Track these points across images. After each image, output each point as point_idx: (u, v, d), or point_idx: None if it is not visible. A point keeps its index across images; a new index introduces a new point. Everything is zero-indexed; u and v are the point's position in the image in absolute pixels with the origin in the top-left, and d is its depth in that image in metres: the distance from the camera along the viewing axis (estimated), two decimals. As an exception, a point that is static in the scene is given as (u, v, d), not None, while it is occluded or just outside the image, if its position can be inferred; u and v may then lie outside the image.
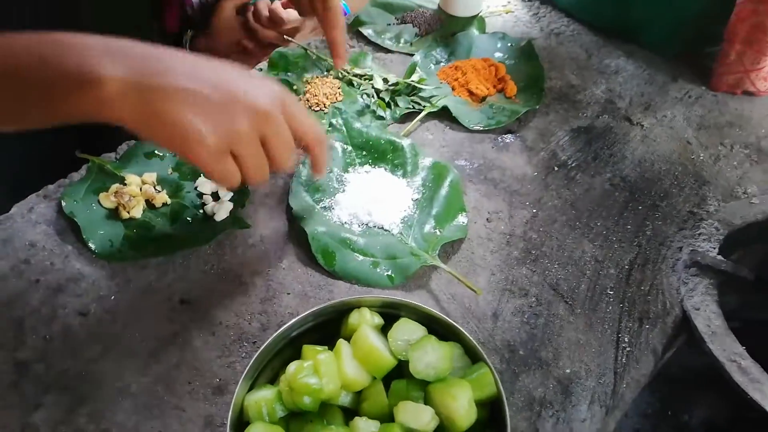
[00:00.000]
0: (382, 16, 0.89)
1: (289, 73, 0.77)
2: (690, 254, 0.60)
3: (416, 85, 0.75)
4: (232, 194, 0.63)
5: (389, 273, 0.58)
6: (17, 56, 0.40)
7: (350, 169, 0.67)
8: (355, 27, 0.85)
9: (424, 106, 0.74)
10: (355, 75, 0.77)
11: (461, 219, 0.62)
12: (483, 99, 0.77)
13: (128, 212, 0.59)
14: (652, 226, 0.64)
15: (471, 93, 0.76)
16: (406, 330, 0.46)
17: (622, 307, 0.57)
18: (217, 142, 0.42)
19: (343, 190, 0.64)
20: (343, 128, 0.69)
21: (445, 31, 0.87)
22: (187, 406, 0.49)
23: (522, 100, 0.77)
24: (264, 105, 0.43)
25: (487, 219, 0.64)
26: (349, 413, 0.45)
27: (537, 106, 0.76)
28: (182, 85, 0.41)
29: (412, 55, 0.82)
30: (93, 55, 0.40)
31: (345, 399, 0.45)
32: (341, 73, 0.77)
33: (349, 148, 0.68)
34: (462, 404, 0.41)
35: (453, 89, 0.77)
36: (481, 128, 0.73)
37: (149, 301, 0.55)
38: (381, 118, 0.73)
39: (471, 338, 0.45)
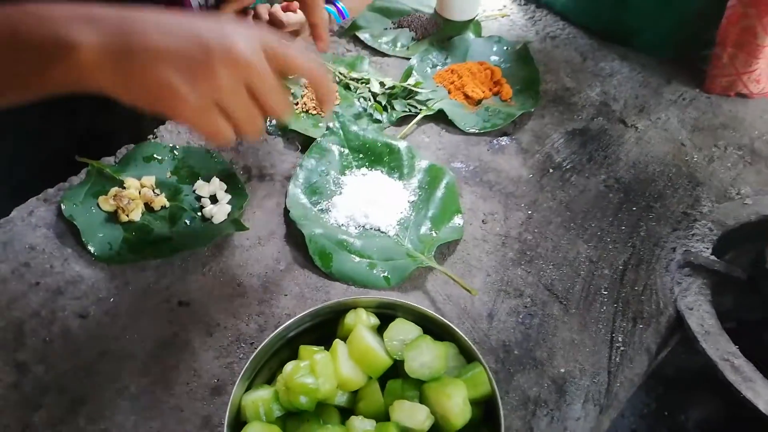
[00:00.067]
0: (378, 20, 0.90)
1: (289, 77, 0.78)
2: (683, 254, 0.61)
3: (412, 88, 0.76)
4: (230, 197, 0.63)
5: (386, 274, 0.58)
6: None
7: (347, 172, 0.67)
8: (352, 31, 0.86)
9: (421, 110, 0.75)
10: (352, 79, 0.78)
11: (457, 221, 0.63)
12: (479, 102, 0.77)
13: (127, 215, 0.60)
14: (646, 226, 0.65)
15: (467, 96, 0.77)
16: (402, 330, 0.47)
17: (616, 307, 0.57)
18: (199, 98, 0.40)
19: (340, 193, 0.65)
20: (340, 131, 0.70)
21: (442, 35, 0.88)
22: (185, 406, 0.49)
23: (517, 102, 0.78)
24: (241, 53, 0.41)
25: (483, 221, 0.64)
26: (346, 412, 0.45)
27: (532, 109, 0.76)
28: (156, 44, 0.40)
29: (409, 59, 0.83)
30: (65, 24, 0.39)
31: (341, 398, 0.45)
32: (338, 77, 0.78)
33: (346, 150, 0.69)
34: (456, 403, 0.42)
35: (449, 92, 0.78)
36: (477, 131, 0.74)
37: (148, 303, 0.55)
38: (378, 121, 0.74)
39: (466, 338, 0.45)
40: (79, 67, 0.40)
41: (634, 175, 0.70)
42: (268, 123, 0.73)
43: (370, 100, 0.76)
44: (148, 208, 0.62)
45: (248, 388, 0.45)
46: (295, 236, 0.61)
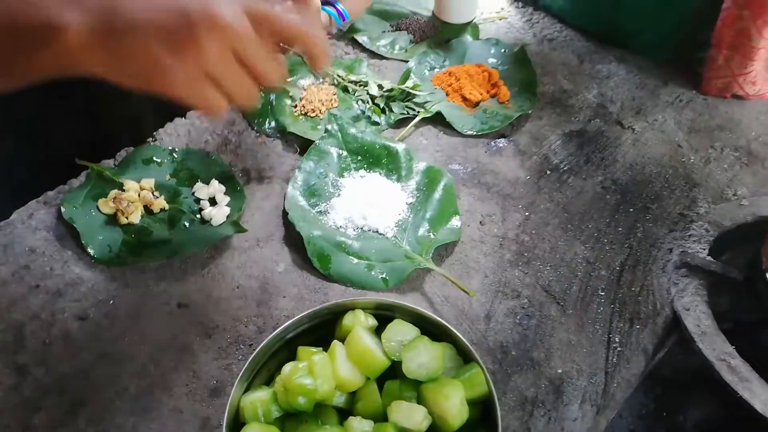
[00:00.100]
0: (377, 23, 0.90)
1: (288, 80, 0.78)
2: (680, 255, 0.61)
3: (410, 91, 0.76)
4: (228, 199, 0.64)
5: (384, 276, 0.58)
6: None
7: (345, 174, 0.68)
8: (350, 34, 0.87)
9: (419, 112, 0.75)
10: (351, 81, 0.78)
11: (455, 222, 0.63)
12: (476, 104, 0.78)
13: (127, 218, 0.60)
14: (642, 228, 0.65)
15: (464, 98, 0.78)
16: (400, 331, 0.47)
17: (613, 307, 0.58)
18: (186, 70, 0.40)
19: (339, 195, 0.65)
20: (339, 134, 0.70)
21: (440, 38, 0.88)
22: (184, 407, 0.49)
23: (515, 105, 0.78)
24: (223, 17, 0.40)
25: (481, 222, 0.65)
26: (344, 413, 0.45)
27: (530, 111, 0.77)
28: (139, 19, 0.39)
29: (407, 61, 0.83)
30: (50, 7, 0.39)
31: (339, 399, 0.46)
32: (336, 80, 0.78)
33: (345, 153, 0.69)
34: (454, 403, 0.42)
35: (447, 95, 0.78)
36: (475, 133, 0.74)
37: (147, 305, 0.56)
38: (376, 123, 0.74)
39: (463, 339, 0.46)
40: (67, 50, 0.40)
41: (631, 177, 0.70)
42: (267, 125, 0.73)
43: (368, 102, 0.76)
44: (148, 210, 0.62)
45: (247, 390, 0.45)
46: (293, 238, 0.61)
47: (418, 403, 0.44)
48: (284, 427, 0.44)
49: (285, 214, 0.63)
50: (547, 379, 0.52)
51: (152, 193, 0.63)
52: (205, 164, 0.67)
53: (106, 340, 0.53)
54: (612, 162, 0.72)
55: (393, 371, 0.46)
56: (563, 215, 0.66)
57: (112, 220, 0.61)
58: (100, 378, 0.51)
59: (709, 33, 0.76)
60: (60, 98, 0.69)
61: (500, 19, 0.93)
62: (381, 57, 0.85)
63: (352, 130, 0.71)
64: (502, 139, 0.74)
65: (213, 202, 0.64)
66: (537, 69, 0.83)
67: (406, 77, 0.79)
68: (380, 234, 0.62)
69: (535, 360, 0.53)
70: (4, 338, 0.52)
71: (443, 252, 0.62)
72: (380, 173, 0.68)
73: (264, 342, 0.45)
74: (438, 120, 0.75)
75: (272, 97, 0.75)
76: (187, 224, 0.62)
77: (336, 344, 0.46)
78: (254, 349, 0.45)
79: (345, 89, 0.78)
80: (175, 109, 0.74)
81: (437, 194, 0.65)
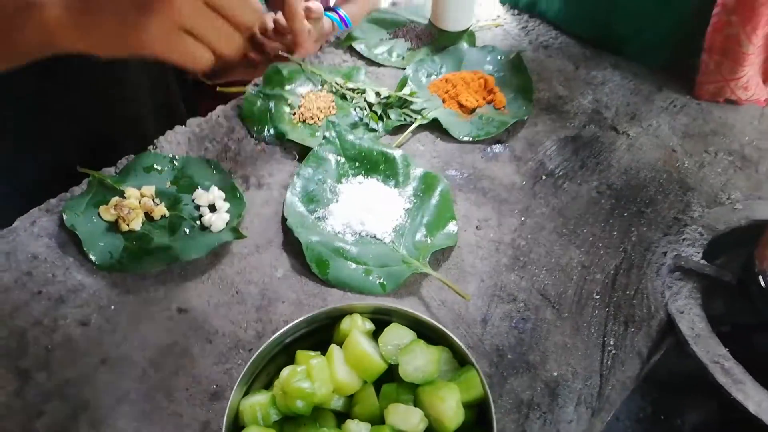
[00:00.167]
0: (374, 31, 0.92)
1: (286, 88, 0.79)
2: (674, 259, 0.62)
3: (407, 98, 0.77)
4: (228, 206, 0.65)
5: (381, 280, 0.59)
6: None
7: (343, 180, 0.68)
8: (348, 42, 0.88)
9: (416, 119, 0.76)
10: (349, 89, 0.79)
11: (451, 227, 0.64)
12: (473, 111, 0.79)
13: (128, 225, 0.61)
14: (637, 232, 0.66)
15: (461, 105, 0.78)
16: (396, 335, 0.47)
17: (608, 311, 0.58)
18: (160, 26, 0.40)
19: (337, 201, 0.66)
20: (337, 141, 0.71)
21: (436, 45, 0.89)
22: (184, 412, 0.50)
23: (511, 111, 0.79)
24: None
25: (477, 227, 0.65)
26: (341, 416, 0.46)
27: (525, 117, 0.78)
28: None
29: (404, 69, 0.84)
30: None
31: (337, 402, 0.46)
32: (335, 88, 0.79)
33: (343, 159, 0.70)
34: (450, 406, 0.43)
35: (444, 101, 0.79)
36: (471, 139, 0.75)
37: (148, 311, 0.56)
38: (373, 130, 0.75)
39: (459, 342, 0.46)
40: (46, 27, 0.41)
41: (625, 182, 0.71)
42: (266, 133, 0.74)
43: (365, 109, 0.77)
44: (148, 217, 0.63)
45: (246, 393, 0.46)
46: (292, 244, 0.62)
47: (415, 405, 0.44)
48: (283, 431, 0.45)
49: (284, 220, 0.63)
50: (542, 382, 0.53)
51: (153, 200, 0.64)
52: (204, 171, 0.68)
53: (108, 345, 0.54)
54: (607, 167, 0.73)
55: (390, 374, 0.47)
56: (558, 220, 0.67)
57: (113, 227, 0.62)
58: (102, 383, 0.51)
59: (700, 39, 0.77)
60: (61, 107, 0.70)
61: (496, 27, 0.95)
62: (378, 65, 0.86)
63: (350, 137, 0.72)
64: (498, 145, 0.75)
65: (213, 208, 0.65)
66: (533, 75, 0.84)
67: (403, 84, 0.80)
68: (378, 239, 0.63)
69: (530, 363, 0.54)
70: (7, 344, 0.53)
71: (440, 257, 0.62)
72: (378, 179, 0.69)
73: (263, 346, 0.46)
74: (435, 126, 0.76)
75: (271, 104, 0.77)
76: (187, 231, 0.62)
77: (334, 348, 0.47)
78: (253, 354, 0.46)
79: (343, 97, 0.79)
80: (175, 117, 0.75)
81: (434, 200, 0.66)
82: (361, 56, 0.87)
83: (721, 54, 0.74)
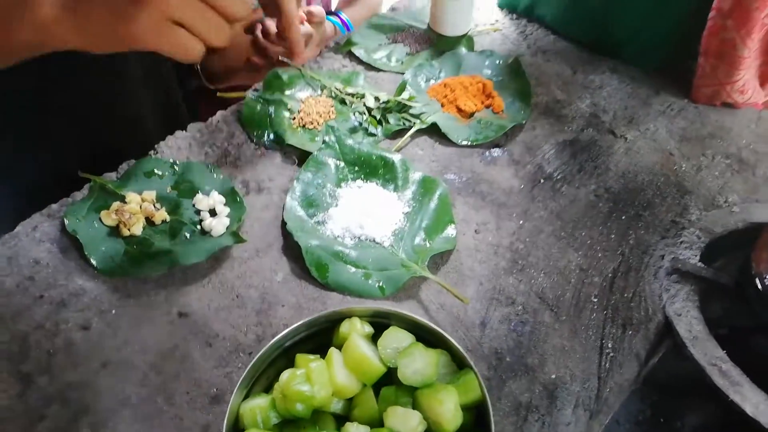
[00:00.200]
0: (373, 36, 0.92)
1: (286, 93, 0.80)
2: (672, 262, 0.62)
3: (406, 102, 0.78)
4: (228, 210, 0.65)
5: (380, 284, 0.60)
6: None
7: (343, 185, 0.69)
8: (347, 48, 0.88)
9: (414, 123, 0.77)
10: (348, 94, 0.80)
11: (450, 231, 0.64)
12: (471, 115, 0.79)
13: (129, 229, 0.62)
14: (635, 235, 0.66)
15: (460, 109, 0.79)
16: (395, 338, 0.48)
17: (606, 314, 0.59)
18: (150, 18, 0.41)
19: (336, 205, 0.67)
20: (336, 145, 0.72)
21: (435, 50, 0.90)
22: (185, 415, 0.50)
23: (509, 115, 0.79)
24: None
25: (476, 230, 0.66)
26: (341, 419, 0.46)
27: (524, 121, 0.78)
28: None
29: (403, 73, 0.85)
30: None
31: (336, 405, 0.47)
32: (334, 93, 0.80)
33: (342, 164, 0.71)
34: (448, 408, 0.43)
35: (442, 106, 0.80)
36: (470, 143, 0.75)
37: (149, 315, 0.57)
38: (372, 134, 0.76)
39: (457, 345, 0.47)
40: (41, 24, 0.42)
41: (623, 185, 0.72)
42: (266, 137, 0.74)
43: (365, 114, 0.78)
44: (149, 222, 0.64)
45: (246, 397, 0.47)
46: (292, 248, 0.62)
47: (414, 408, 0.45)
48: (283, 433, 0.45)
49: (284, 224, 0.64)
50: (541, 385, 0.53)
51: (154, 205, 0.65)
52: (205, 176, 0.68)
53: (109, 349, 0.54)
54: (605, 170, 0.74)
55: (389, 377, 0.47)
56: (557, 223, 0.67)
57: (114, 231, 0.62)
58: (103, 386, 0.52)
59: (699, 42, 0.78)
60: (61, 108, 0.71)
61: (495, 31, 0.95)
62: (378, 69, 0.87)
63: (350, 142, 0.72)
64: (497, 149, 0.76)
65: (213, 213, 0.65)
66: (531, 80, 0.84)
67: (402, 89, 0.81)
68: (377, 243, 0.63)
69: (529, 366, 0.54)
70: (10, 348, 0.53)
71: (439, 260, 0.63)
72: (377, 183, 0.69)
73: (263, 350, 0.47)
74: (433, 131, 0.77)
75: (271, 109, 0.77)
76: (187, 235, 0.63)
77: (333, 351, 0.47)
78: (253, 357, 0.46)
79: (342, 101, 0.79)
80: (177, 121, 0.76)
81: (433, 203, 0.67)
82: (360, 61, 0.87)
83: (717, 58, 0.75)
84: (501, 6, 1.00)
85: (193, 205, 0.65)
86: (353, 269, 0.61)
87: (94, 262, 0.59)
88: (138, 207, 0.64)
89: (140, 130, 0.80)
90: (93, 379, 0.52)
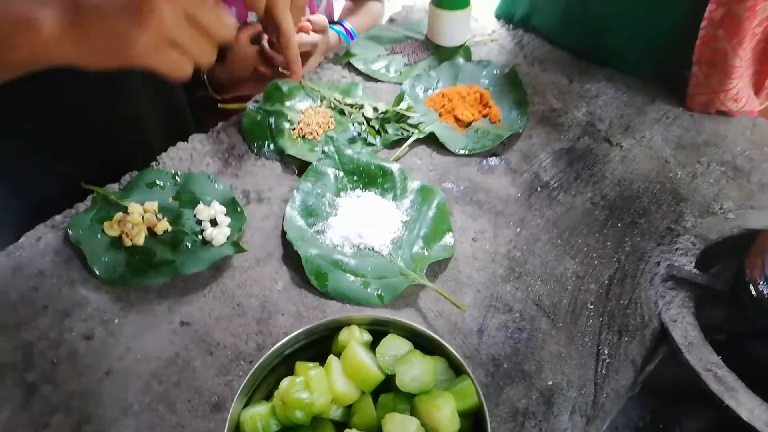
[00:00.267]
0: (372, 47, 0.94)
1: (286, 104, 0.81)
2: (667, 268, 0.63)
3: (404, 112, 0.79)
4: (229, 220, 0.66)
5: (379, 292, 0.60)
6: None
7: (342, 194, 0.70)
8: (346, 59, 0.90)
9: (413, 133, 0.78)
10: (347, 104, 0.81)
11: (448, 239, 0.65)
12: (468, 124, 0.80)
13: (131, 240, 0.62)
14: (630, 242, 0.67)
15: (457, 119, 0.80)
16: (393, 346, 0.49)
17: (602, 320, 0.59)
18: (149, 38, 0.45)
19: (336, 214, 0.68)
20: (335, 155, 0.73)
21: (433, 61, 0.91)
22: (186, 423, 0.51)
23: (506, 124, 0.81)
24: None
25: (473, 239, 0.67)
26: (340, 426, 0.47)
27: (520, 130, 0.79)
28: (102, 3, 0.44)
29: (401, 84, 0.86)
30: (23, 5, 0.44)
31: (336, 413, 0.47)
32: (333, 103, 0.81)
33: (341, 173, 0.72)
34: (445, 414, 0.44)
35: (440, 116, 0.81)
36: (467, 152, 0.76)
37: (151, 324, 0.58)
38: (371, 144, 0.77)
39: (454, 352, 0.47)
40: (41, 42, 0.44)
41: (619, 193, 0.73)
42: (266, 148, 0.76)
43: (363, 124, 0.79)
44: (151, 232, 0.65)
45: (247, 404, 0.47)
46: (292, 257, 0.63)
47: (412, 415, 0.45)
48: (283, 440, 0.46)
49: (284, 233, 0.65)
50: (538, 391, 0.54)
51: (156, 216, 0.66)
52: (206, 186, 0.69)
53: (112, 358, 0.55)
54: (601, 178, 0.74)
55: (387, 384, 0.48)
56: (553, 231, 0.68)
57: (117, 242, 0.63)
58: (106, 395, 0.52)
59: (693, 51, 0.79)
60: (65, 122, 0.72)
61: (492, 42, 0.96)
62: (376, 80, 0.88)
63: (349, 152, 0.73)
64: (494, 158, 0.77)
65: (214, 223, 0.66)
66: (527, 89, 0.85)
67: (400, 99, 0.82)
68: (376, 251, 0.64)
69: (526, 372, 0.55)
70: (14, 357, 0.54)
71: (437, 268, 0.64)
72: (375, 193, 0.70)
73: (263, 358, 0.47)
74: (431, 140, 0.78)
75: (271, 120, 0.78)
76: (189, 245, 0.64)
77: (332, 359, 0.48)
78: (254, 366, 0.47)
79: (341, 112, 0.80)
80: (181, 132, 0.77)
81: (431, 212, 0.68)
82: (359, 72, 0.89)
83: (709, 66, 0.76)
84: (498, 17, 1.02)
85: (195, 215, 0.66)
86: (352, 278, 0.61)
87: (97, 272, 0.60)
88: (140, 218, 0.64)
89: (144, 140, 0.81)
90: (96, 387, 0.53)
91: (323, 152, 0.73)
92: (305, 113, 0.79)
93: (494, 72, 0.88)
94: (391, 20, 1.02)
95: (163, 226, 0.65)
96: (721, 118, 0.83)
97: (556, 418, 0.52)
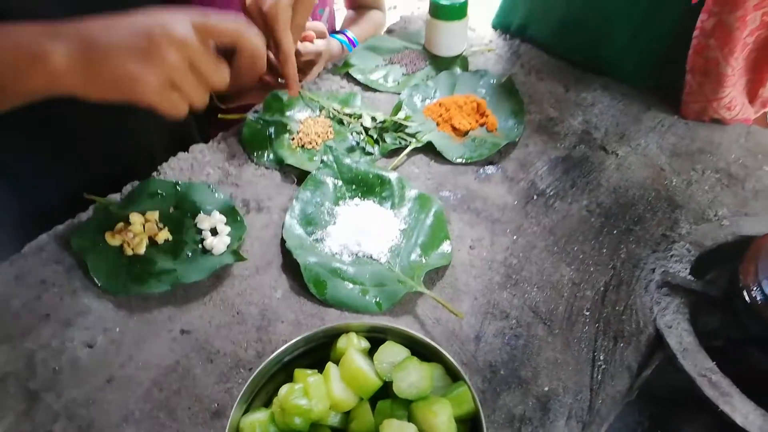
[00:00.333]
0: (370, 58, 0.95)
1: (286, 114, 0.82)
2: (662, 275, 0.64)
3: (402, 122, 0.80)
4: (229, 229, 0.67)
5: (377, 300, 0.61)
6: None
7: (341, 203, 0.71)
8: (345, 69, 0.91)
9: (410, 142, 0.79)
10: (345, 114, 0.82)
11: (445, 247, 0.66)
12: (466, 133, 0.81)
13: (132, 249, 0.63)
14: (626, 249, 0.67)
15: (454, 128, 0.81)
16: (391, 352, 0.49)
17: (598, 326, 0.60)
18: (156, 79, 0.48)
19: (334, 223, 0.68)
20: (334, 164, 0.74)
21: (431, 71, 0.92)
22: (187, 430, 0.52)
23: (503, 133, 0.82)
24: (179, 33, 0.49)
25: (470, 246, 0.67)
26: (338, 432, 0.48)
27: (517, 139, 0.80)
28: (112, 43, 0.48)
29: (399, 93, 0.87)
30: (36, 40, 0.47)
31: (334, 419, 0.48)
32: (332, 113, 0.82)
33: (340, 182, 0.72)
34: (442, 420, 0.44)
35: (438, 125, 0.82)
36: (464, 161, 0.77)
37: (152, 332, 0.58)
38: (369, 153, 0.78)
39: (451, 358, 0.48)
40: (52, 74, 0.47)
41: (614, 200, 0.73)
42: (266, 158, 0.77)
43: (362, 134, 0.80)
44: (152, 241, 0.65)
45: (246, 411, 0.48)
46: (291, 265, 0.64)
47: (409, 421, 0.46)
48: (281, 447, 0.46)
49: (283, 242, 0.66)
50: (534, 397, 0.54)
51: (156, 225, 0.67)
52: (206, 196, 0.70)
53: (113, 366, 0.56)
54: (596, 186, 0.75)
55: (385, 391, 0.48)
56: (550, 238, 0.69)
57: (118, 251, 0.64)
58: (107, 402, 0.53)
59: (685, 60, 0.80)
60: (68, 133, 0.73)
61: (489, 51, 0.98)
62: (374, 90, 0.89)
63: (347, 161, 0.74)
64: (491, 166, 0.77)
65: (214, 232, 0.67)
66: (524, 98, 0.86)
67: (398, 109, 0.83)
68: (374, 259, 0.65)
69: (522, 378, 0.56)
70: (16, 366, 0.55)
71: (434, 276, 0.64)
72: (374, 201, 0.71)
73: (262, 365, 0.48)
74: (429, 149, 0.79)
75: (271, 130, 0.79)
76: (189, 254, 0.65)
77: (330, 366, 0.48)
78: (253, 373, 0.48)
79: (340, 122, 0.81)
80: (181, 145, 0.78)
81: (428, 220, 0.68)
82: (357, 82, 0.90)
83: (702, 75, 0.77)
84: (495, 27, 1.03)
85: (195, 225, 0.67)
86: (351, 285, 0.62)
87: (98, 281, 0.61)
88: (141, 227, 0.65)
89: (148, 150, 0.82)
90: (98, 395, 0.54)
91: (322, 161, 0.74)
92: (304, 123, 0.80)
93: (491, 81, 0.89)
94: (390, 31, 1.04)
95: (164, 235, 0.65)
96: (716, 126, 0.84)
97: (552, 424, 0.52)
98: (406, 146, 0.78)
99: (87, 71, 0.47)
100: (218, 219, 0.67)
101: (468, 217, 0.71)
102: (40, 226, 0.66)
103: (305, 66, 0.86)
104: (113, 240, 0.64)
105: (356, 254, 0.65)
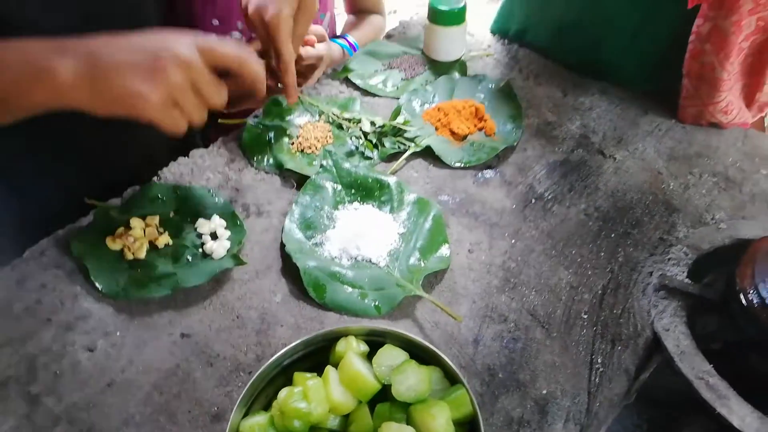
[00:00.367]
0: (370, 63, 0.95)
1: (285, 119, 0.83)
2: (659, 278, 0.64)
3: (401, 126, 0.80)
4: (229, 233, 0.67)
5: (376, 303, 0.61)
6: None
7: (340, 207, 0.71)
8: (344, 74, 0.92)
9: (409, 146, 0.79)
10: (345, 119, 0.82)
11: (444, 251, 0.66)
12: (464, 138, 0.82)
13: (133, 253, 0.64)
14: (624, 252, 0.68)
15: (453, 132, 0.82)
16: (389, 356, 0.50)
17: (596, 330, 0.60)
18: (159, 98, 0.50)
19: (333, 227, 0.69)
20: (333, 169, 0.74)
21: (429, 75, 0.93)
22: (187, 433, 0.52)
23: (501, 137, 0.82)
24: (183, 54, 0.51)
25: (469, 250, 0.68)
26: (338, 435, 0.48)
27: (515, 143, 0.81)
28: (118, 61, 0.49)
29: (398, 98, 0.88)
30: (43, 55, 0.48)
31: (333, 422, 0.48)
32: (331, 118, 0.82)
33: (339, 187, 0.73)
34: (440, 423, 0.45)
35: (436, 129, 0.82)
36: (463, 165, 0.78)
37: (152, 336, 0.59)
38: (369, 158, 0.78)
39: (449, 362, 0.48)
40: (58, 89, 0.48)
41: (612, 204, 0.74)
42: (265, 162, 0.77)
43: (361, 138, 0.80)
44: (153, 245, 0.66)
45: (246, 415, 0.48)
46: (290, 269, 0.64)
47: (407, 424, 0.46)
48: (281, 450, 0.47)
49: (282, 246, 0.66)
50: (532, 400, 0.55)
51: (157, 229, 0.67)
52: (206, 200, 0.71)
53: (113, 369, 0.56)
54: (594, 190, 0.76)
55: (384, 394, 0.49)
56: (548, 242, 0.69)
57: (119, 255, 0.64)
58: (108, 406, 0.53)
59: (681, 64, 0.80)
60: (71, 143, 0.73)
61: (487, 56, 0.98)
62: (373, 95, 0.89)
63: (346, 165, 0.75)
64: (489, 171, 0.78)
65: (214, 236, 0.67)
66: (522, 102, 0.87)
67: (397, 114, 0.84)
68: (373, 263, 0.65)
69: (521, 381, 0.56)
70: (18, 370, 0.55)
71: (433, 279, 0.65)
72: (373, 205, 0.71)
73: (261, 369, 0.48)
74: (428, 153, 0.79)
75: (271, 135, 0.80)
76: (189, 258, 0.65)
77: (329, 369, 0.49)
78: (253, 376, 0.48)
79: (339, 126, 0.82)
80: (183, 150, 0.78)
81: (427, 224, 0.69)
82: (356, 87, 0.90)
83: (698, 79, 0.78)
84: (493, 32, 1.04)
85: (195, 229, 0.68)
86: (350, 289, 0.63)
87: (99, 285, 0.61)
88: (141, 232, 0.66)
89: (150, 156, 0.82)
90: (98, 399, 0.54)
91: (321, 166, 0.74)
92: (304, 128, 0.81)
93: (489, 86, 0.90)
94: (389, 36, 1.04)
95: (164, 239, 0.66)
96: (713, 129, 0.85)
97: (550, 427, 0.53)
98: (405, 150, 0.79)
99: (93, 87, 0.49)
100: (218, 223, 0.68)
101: (466, 220, 0.71)
102: (41, 230, 0.67)
103: (306, 70, 0.87)
104: (114, 244, 0.64)
105: (355, 258, 0.66)
